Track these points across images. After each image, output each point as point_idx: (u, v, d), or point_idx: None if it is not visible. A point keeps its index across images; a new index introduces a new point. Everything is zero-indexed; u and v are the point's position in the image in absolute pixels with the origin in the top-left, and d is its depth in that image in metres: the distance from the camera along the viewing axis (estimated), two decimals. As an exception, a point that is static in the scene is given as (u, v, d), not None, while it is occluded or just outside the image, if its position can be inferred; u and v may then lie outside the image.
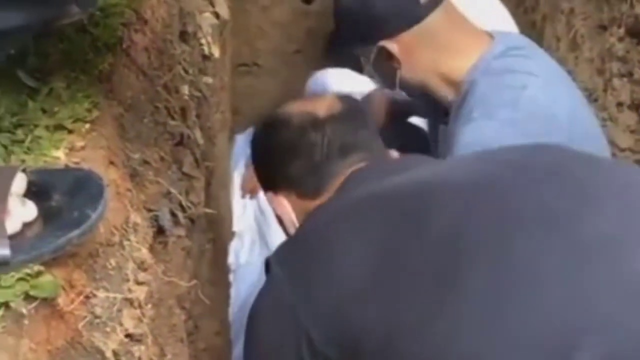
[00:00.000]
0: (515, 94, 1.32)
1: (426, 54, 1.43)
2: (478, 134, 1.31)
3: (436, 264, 0.87)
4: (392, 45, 1.40)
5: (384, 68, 1.47)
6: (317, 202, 1.13)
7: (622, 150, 1.83)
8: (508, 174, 0.95)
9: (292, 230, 1.18)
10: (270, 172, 1.22)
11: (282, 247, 1.07)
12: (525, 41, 1.48)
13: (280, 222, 1.21)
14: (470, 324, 0.82)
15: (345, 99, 1.23)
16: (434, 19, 1.42)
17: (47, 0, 0.79)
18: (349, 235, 0.96)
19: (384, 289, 0.89)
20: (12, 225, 0.74)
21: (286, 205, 1.18)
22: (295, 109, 1.20)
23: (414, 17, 1.41)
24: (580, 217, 0.87)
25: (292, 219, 1.18)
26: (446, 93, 1.43)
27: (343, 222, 1.00)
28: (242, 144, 2.25)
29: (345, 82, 2.24)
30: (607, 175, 0.95)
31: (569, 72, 2.09)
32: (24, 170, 0.79)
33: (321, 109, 1.18)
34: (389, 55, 1.41)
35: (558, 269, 0.83)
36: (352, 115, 1.19)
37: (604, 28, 1.97)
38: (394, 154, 1.21)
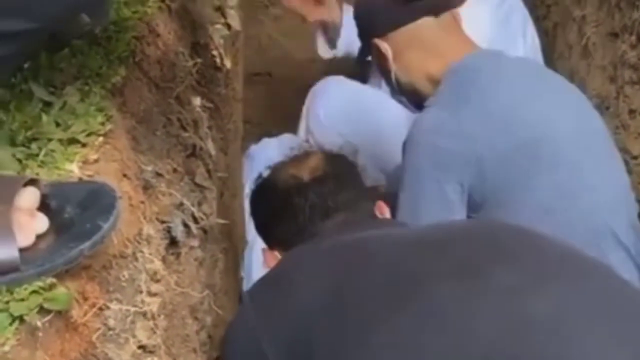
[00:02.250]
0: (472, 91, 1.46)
1: (415, 55, 1.55)
2: (426, 117, 1.46)
3: (372, 301, 0.98)
4: (383, 45, 1.49)
5: (382, 67, 1.56)
6: None
7: (634, 157, 1.83)
8: (439, 236, 1.07)
9: None
10: (265, 231, 1.36)
11: (256, 282, 1.20)
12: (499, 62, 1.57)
13: None
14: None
15: (332, 158, 1.33)
16: (424, 22, 1.54)
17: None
18: (307, 273, 1.07)
19: (330, 317, 0.99)
20: (26, 238, 0.75)
21: (277, 260, 1.29)
22: (281, 173, 1.32)
23: (401, 16, 1.50)
24: (488, 271, 0.96)
25: None
26: (431, 93, 1.51)
27: (304, 263, 1.11)
28: (255, 153, 2.26)
29: (339, 90, 2.26)
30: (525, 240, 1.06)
31: (581, 80, 2.10)
32: (36, 184, 0.80)
33: (306, 172, 1.29)
34: (380, 54, 1.50)
35: (461, 310, 0.93)
36: (334, 177, 1.29)
37: (615, 35, 1.97)
38: (383, 208, 1.33)
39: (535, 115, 1.46)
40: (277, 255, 1.30)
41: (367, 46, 1.63)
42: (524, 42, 2.24)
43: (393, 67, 1.58)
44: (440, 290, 0.94)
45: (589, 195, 1.41)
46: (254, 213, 1.38)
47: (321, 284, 1.03)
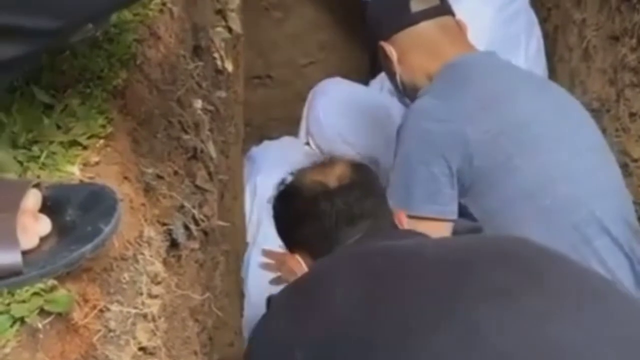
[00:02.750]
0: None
1: (418, 57, 1.63)
2: (417, 103, 1.54)
3: (406, 316, 0.97)
4: (388, 47, 1.56)
5: (387, 69, 1.64)
6: None
7: (635, 160, 1.83)
8: (470, 256, 1.07)
9: None
10: (288, 235, 1.36)
11: (285, 290, 1.18)
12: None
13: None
14: None
15: (356, 167, 1.34)
16: (427, 25, 1.62)
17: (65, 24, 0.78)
18: (338, 282, 1.06)
19: (361, 330, 0.98)
20: (30, 240, 0.75)
21: (302, 264, 1.31)
22: (308, 178, 1.33)
23: (404, 20, 1.56)
24: (517, 294, 0.97)
25: None
26: None
27: (335, 272, 1.11)
28: (255, 156, 2.26)
29: (339, 91, 2.26)
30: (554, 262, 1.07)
31: (581, 83, 2.10)
32: (38, 186, 0.80)
33: (332, 179, 1.30)
34: (386, 56, 1.55)
35: (496, 331, 0.92)
36: (360, 185, 1.31)
37: (616, 39, 1.97)
38: (402, 218, 1.34)
39: (521, 105, 1.55)
40: (298, 259, 1.32)
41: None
42: (527, 45, 2.25)
43: (398, 69, 1.66)
44: (475, 310, 0.94)
45: (568, 184, 1.50)
46: (277, 217, 1.39)
47: (352, 294, 1.03)
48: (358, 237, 1.24)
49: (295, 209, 1.33)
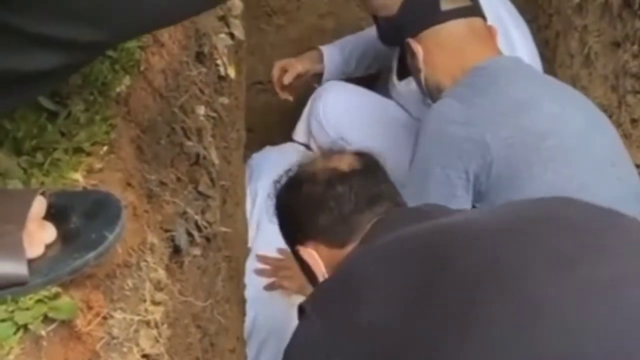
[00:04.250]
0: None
1: (443, 56, 1.61)
2: (439, 105, 1.54)
3: (457, 307, 0.90)
4: (415, 45, 1.55)
5: (413, 67, 1.63)
6: (344, 250, 1.19)
7: (637, 166, 1.83)
8: (525, 224, 1.00)
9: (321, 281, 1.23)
10: (299, 227, 1.27)
11: (318, 294, 1.11)
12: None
13: (309, 274, 1.26)
14: None
15: (364, 156, 1.29)
16: (455, 24, 1.61)
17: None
18: (379, 281, 1.00)
19: (410, 334, 0.92)
20: (35, 249, 0.75)
21: (316, 257, 1.23)
22: (318, 165, 1.27)
23: (432, 18, 1.55)
24: (586, 261, 0.91)
25: (322, 269, 1.23)
26: None
27: (373, 269, 1.04)
28: (257, 161, 2.26)
29: (341, 94, 2.26)
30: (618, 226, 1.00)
31: (583, 89, 2.10)
32: (43, 193, 0.80)
33: (343, 164, 1.25)
34: (412, 53, 1.53)
35: (561, 310, 0.87)
36: (372, 170, 1.26)
37: (617, 45, 1.97)
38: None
39: (545, 113, 1.52)
40: (313, 253, 1.24)
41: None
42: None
43: (422, 67, 1.65)
44: (543, 286, 0.88)
45: (586, 199, 1.44)
46: (285, 208, 1.31)
47: (393, 292, 0.97)
48: (380, 219, 1.18)
49: (308, 196, 1.25)
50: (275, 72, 2.28)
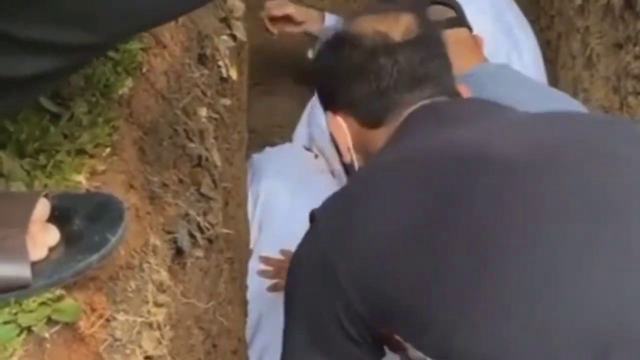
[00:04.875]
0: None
1: None
2: None
3: (474, 238, 0.87)
4: None
5: None
6: (375, 133, 1.09)
7: None
8: (562, 151, 0.93)
9: (346, 156, 1.15)
10: (333, 91, 1.16)
11: (330, 201, 1.04)
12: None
13: (335, 145, 1.17)
14: (502, 308, 0.83)
15: (423, 21, 1.16)
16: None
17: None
18: (392, 193, 0.94)
19: (419, 251, 0.89)
20: (38, 252, 0.75)
21: (344, 127, 1.14)
22: (369, 27, 1.13)
23: None
24: (632, 213, 0.85)
25: (348, 142, 1.14)
26: None
27: (388, 181, 0.97)
28: (258, 163, 2.26)
29: None
30: None
31: (585, 91, 2.10)
32: (46, 196, 0.80)
33: (396, 32, 1.12)
34: None
35: (603, 266, 0.82)
36: (426, 44, 1.13)
37: (619, 46, 1.97)
38: (464, 90, 1.16)
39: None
40: (341, 122, 1.15)
41: None
42: (520, 56, 2.25)
43: None
44: (572, 231, 0.83)
45: None
46: (323, 68, 1.19)
47: (406, 207, 0.92)
48: (414, 109, 1.07)
49: (349, 60, 1.13)
50: (269, 5, 2.24)
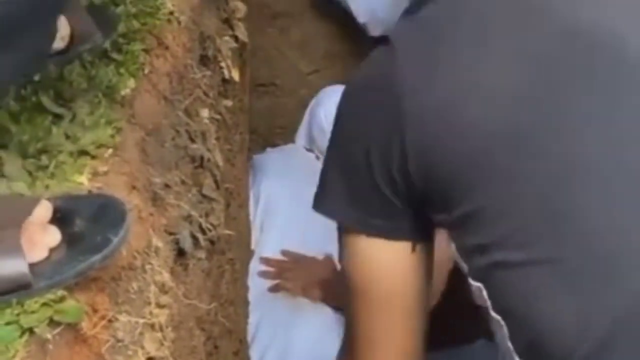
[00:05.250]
0: None
1: None
2: None
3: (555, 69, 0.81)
4: None
5: None
6: None
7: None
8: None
9: None
10: None
11: (405, 20, 0.91)
12: None
13: None
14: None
15: None
16: None
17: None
18: (479, 25, 0.85)
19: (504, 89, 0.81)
20: (39, 252, 0.75)
21: None
22: None
23: None
24: None
25: None
26: None
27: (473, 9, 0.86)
28: (259, 164, 2.26)
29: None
30: None
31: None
32: (48, 198, 0.80)
33: None
34: None
35: None
36: None
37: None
38: None
39: None
40: None
41: None
42: None
43: None
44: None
45: None
46: None
47: (493, 40, 0.83)
48: None
49: None
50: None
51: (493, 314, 0.84)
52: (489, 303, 0.84)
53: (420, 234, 0.93)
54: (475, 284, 0.85)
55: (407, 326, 0.96)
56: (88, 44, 1.06)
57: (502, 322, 0.83)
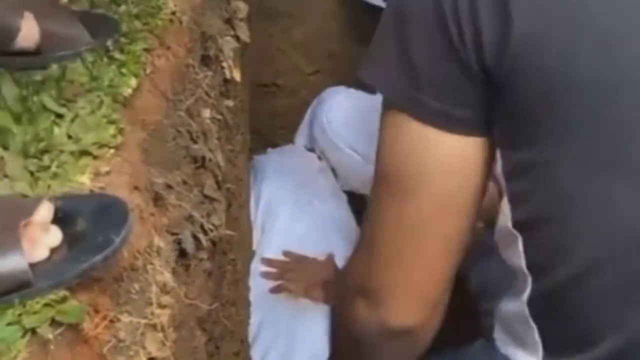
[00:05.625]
0: None
1: None
2: None
3: None
4: None
5: None
6: None
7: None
8: None
9: None
10: None
11: None
12: None
13: None
14: None
15: None
16: None
17: None
18: None
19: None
20: (40, 252, 0.75)
21: None
22: None
23: None
24: None
25: None
26: None
27: None
28: (260, 164, 2.26)
29: (344, 99, 2.25)
30: None
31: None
32: (49, 199, 0.80)
33: None
34: None
35: None
36: None
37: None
38: None
39: None
40: None
41: None
42: None
43: None
44: None
45: None
46: None
47: None
48: None
49: None
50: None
51: (510, 227, 0.77)
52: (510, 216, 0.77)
53: (489, 130, 0.79)
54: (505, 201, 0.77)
55: (447, 242, 0.83)
56: (70, 49, 1.05)
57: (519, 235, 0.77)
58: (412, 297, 0.86)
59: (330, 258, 1.93)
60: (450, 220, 0.83)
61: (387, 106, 0.83)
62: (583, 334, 0.82)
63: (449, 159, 0.80)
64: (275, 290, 1.91)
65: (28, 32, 1.02)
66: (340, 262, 1.91)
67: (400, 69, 0.79)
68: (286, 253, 1.94)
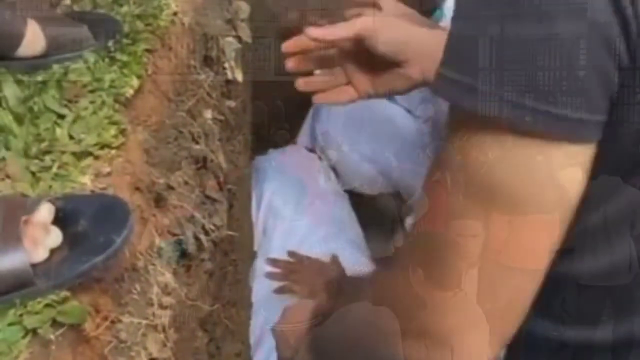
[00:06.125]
0: None
1: None
2: None
3: None
4: None
5: None
6: None
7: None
8: None
9: None
10: None
11: None
12: None
13: None
14: None
15: None
16: None
17: None
18: None
19: None
20: (41, 252, 0.75)
21: None
22: None
23: None
24: None
25: None
26: None
27: None
28: (261, 165, 2.26)
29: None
30: None
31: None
32: (50, 200, 0.80)
33: None
34: None
35: None
36: None
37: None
38: None
39: None
40: None
41: None
42: None
43: None
44: None
45: None
46: None
47: None
48: None
49: None
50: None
51: None
52: None
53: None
54: None
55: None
56: (73, 51, 1.06)
57: None
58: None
59: (335, 259, 1.92)
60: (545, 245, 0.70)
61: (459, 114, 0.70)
62: None
63: (559, 173, 0.67)
64: (279, 291, 1.91)
65: (32, 39, 1.02)
66: (344, 263, 1.90)
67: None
68: (291, 253, 1.94)
